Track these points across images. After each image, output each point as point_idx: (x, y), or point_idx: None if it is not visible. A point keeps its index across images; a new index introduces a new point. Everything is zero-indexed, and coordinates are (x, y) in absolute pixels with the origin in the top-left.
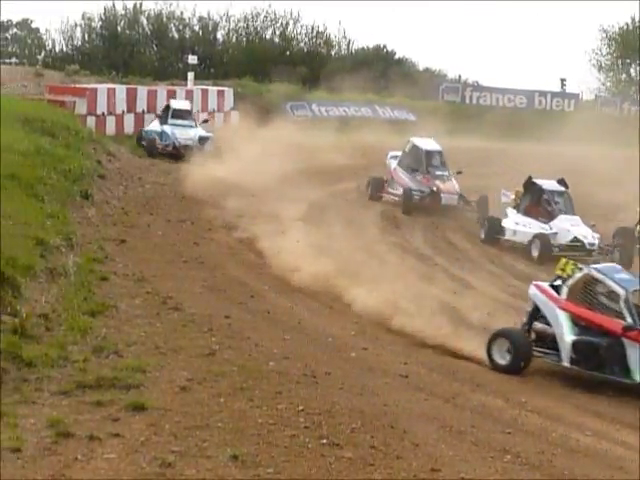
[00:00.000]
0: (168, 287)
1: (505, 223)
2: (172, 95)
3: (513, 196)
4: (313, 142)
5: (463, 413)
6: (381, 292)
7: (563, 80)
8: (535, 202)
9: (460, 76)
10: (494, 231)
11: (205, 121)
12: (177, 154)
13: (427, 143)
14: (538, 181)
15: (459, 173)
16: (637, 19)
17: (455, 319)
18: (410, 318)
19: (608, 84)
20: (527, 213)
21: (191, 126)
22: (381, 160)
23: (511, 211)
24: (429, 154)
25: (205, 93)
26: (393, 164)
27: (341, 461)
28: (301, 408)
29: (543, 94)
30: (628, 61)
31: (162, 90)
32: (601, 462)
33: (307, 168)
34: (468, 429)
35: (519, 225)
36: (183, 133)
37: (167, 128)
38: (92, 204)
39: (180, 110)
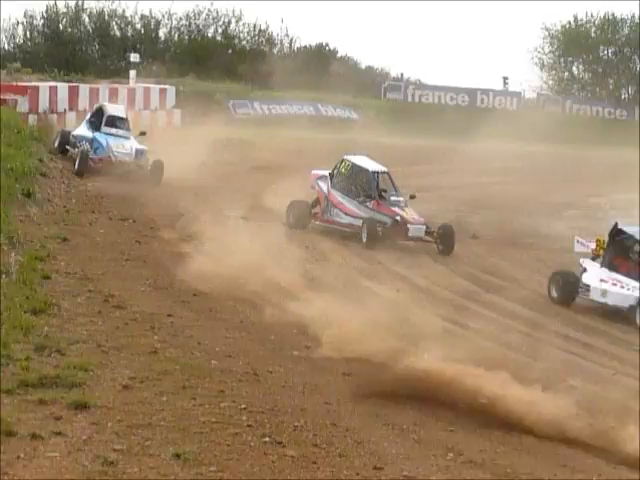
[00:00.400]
0: (111, 285)
1: (588, 280)
2: (114, 93)
3: (593, 245)
4: (255, 140)
5: (406, 411)
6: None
7: (505, 78)
8: (624, 254)
9: (402, 74)
10: (572, 289)
11: (142, 133)
12: (108, 170)
13: (368, 162)
14: (627, 229)
15: (412, 197)
16: (579, 17)
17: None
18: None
19: (550, 82)
20: (614, 268)
21: (127, 137)
22: (321, 159)
23: (591, 264)
24: (377, 177)
25: (147, 91)
26: (324, 186)
27: (284, 459)
28: (244, 406)
29: (485, 92)
30: (570, 59)
31: (104, 88)
32: (544, 460)
33: (249, 166)
34: (411, 427)
35: (608, 284)
36: (119, 145)
37: (100, 137)
38: (34, 202)
39: (116, 117)
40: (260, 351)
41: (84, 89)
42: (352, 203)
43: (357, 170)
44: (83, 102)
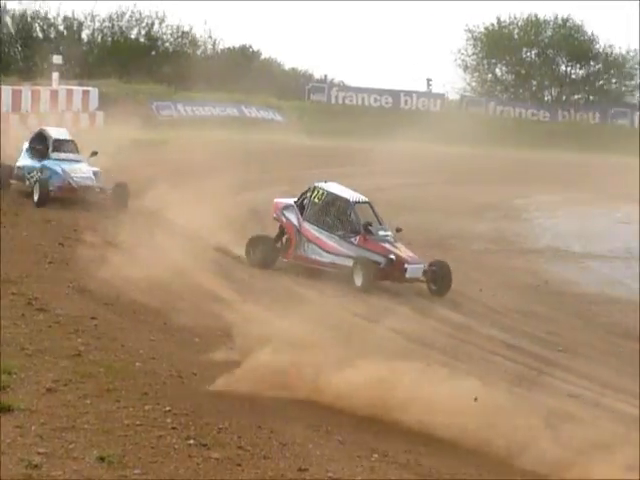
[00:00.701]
0: (34, 288)
1: None
2: (37, 95)
3: None
4: (176, 142)
5: (323, 412)
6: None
7: (429, 80)
8: None
9: (326, 76)
10: None
11: (94, 153)
12: (73, 197)
13: (345, 191)
14: None
15: (399, 231)
16: (502, 19)
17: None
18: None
19: (474, 84)
20: None
21: (79, 160)
22: (242, 161)
23: None
24: (359, 208)
25: (70, 93)
26: (293, 218)
27: (209, 461)
28: (168, 409)
29: (409, 94)
30: (494, 61)
31: (27, 90)
32: (468, 461)
33: (170, 168)
34: (335, 429)
35: None
36: (75, 170)
37: (52, 164)
38: None
39: (62, 140)
40: (184, 353)
41: (6, 91)
42: (332, 238)
43: (333, 200)
44: (5, 104)
